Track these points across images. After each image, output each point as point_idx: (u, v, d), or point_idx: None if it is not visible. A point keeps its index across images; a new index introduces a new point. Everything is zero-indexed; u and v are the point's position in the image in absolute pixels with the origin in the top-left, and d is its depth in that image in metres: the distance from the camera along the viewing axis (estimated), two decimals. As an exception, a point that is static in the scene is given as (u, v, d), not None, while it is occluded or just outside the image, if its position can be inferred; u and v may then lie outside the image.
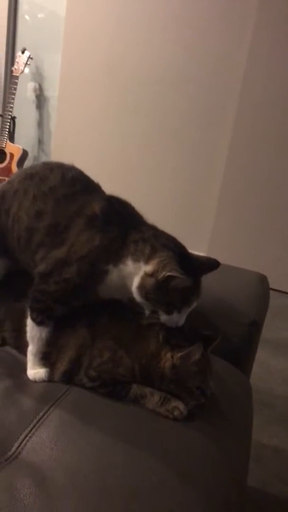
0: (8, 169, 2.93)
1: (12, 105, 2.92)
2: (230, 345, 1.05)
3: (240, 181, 2.72)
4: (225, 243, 2.81)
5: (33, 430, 0.70)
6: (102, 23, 2.89)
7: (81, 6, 2.92)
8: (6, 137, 2.94)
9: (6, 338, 0.97)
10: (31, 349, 0.88)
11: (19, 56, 2.95)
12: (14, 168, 2.94)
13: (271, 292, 1.27)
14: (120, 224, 0.84)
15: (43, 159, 3.35)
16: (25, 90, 3.30)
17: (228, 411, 0.88)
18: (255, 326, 1.11)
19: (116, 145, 3.03)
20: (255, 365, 1.20)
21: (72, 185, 0.89)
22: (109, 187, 0.94)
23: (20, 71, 2.92)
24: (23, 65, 2.93)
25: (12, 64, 3.01)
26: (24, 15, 3.29)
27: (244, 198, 2.73)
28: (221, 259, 0.89)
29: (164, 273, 0.76)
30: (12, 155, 2.95)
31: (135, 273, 0.80)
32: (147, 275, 0.78)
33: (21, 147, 2.98)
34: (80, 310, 0.88)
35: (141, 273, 0.79)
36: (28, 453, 0.66)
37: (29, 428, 0.70)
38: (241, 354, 1.12)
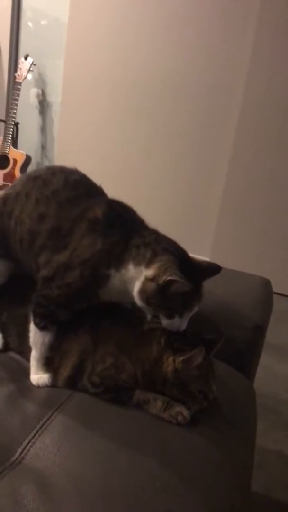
0: (11, 175, 2.94)
1: (15, 111, 2.93)
2: (234, 349, 1.05)
3: (242, 185, 2.72)
4: (228, 247, 2.81)
5: (37, 435, 0.70)
6: (104, 29, 2.90)
7: (83, 13, 2.94)
8: (9, 143, 2.95)
9: (10, 343, 0.97)
10: (34, 354, 0.88)
11: (22, 62, 2.97)
12: (17, 173, 2.95)
13: (274, 296, 1.26)
14: (122, 229, 0.84)
15: (46, 164, 3.36)
16: (28, 96, 3.31)
17: (231, 416, 0.88)
18: (259, 330, 1.11)
19: (118, 149, 3.04)
20: (259, 369, 1.20)
21: (75, 188, 0.89)
22: (112, 192, 0.94)
23: (23, 77, 2.94)
24: (26, 71, 2.95)
25: (15, 70, 3.03)
26: (27, 22, 3.31)
27: (247, 202, 2.73)
28: (224, 264, 0.89)
29: (164, 277, 0.76)
30: (15, 161, 2.96)
31: (136, 278, 0.80)
32: (148, 279, 0.78)
33: (24, 152, 3.00)
34: (82, 316, 0.88)
35: (142, 277, 0.79)
36: (31, 459, 0.66)
37: (32, 434, 0.70)
38: (245, 358, 1.11)
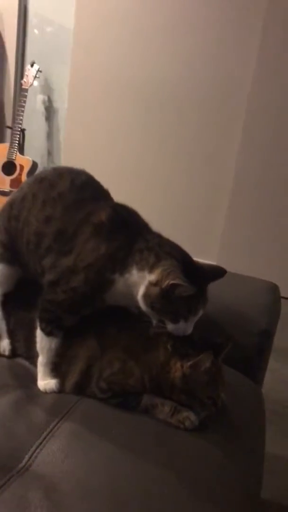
0: (18, 181, 2.96)
1: (21, 118, 2.95)
2: (241, 354, 1.04)
3: (249, 188, 2.71)
4: (235, 252, 2.80)
5: (44, 442, 0.70)
6: (109, 36, 2.92)
7: (89, 20, 2.96)
8: (16, 149, 2.97)
9: (17, 348, 0.97)
10: (41, 360, 0.88)
11: (28, 69, 2.99)
12: (24, 179, 2.96)
13: (282, 300, 1.26)
14: (126, 233, 0.84)
15: (53, 170, 3.37)
16: (35, 102, 3.34)
17: (240, 422, 0.87)
18: (267, 335, 1.10)
19: (125, 155, 3.05)
20: (267, 374, 1.19)
21: (81, 191, 0.89)
22: (118, 197, 0.94)
23: (30, 83, 2.96)
24: (32, 78, 2.97)
25: (22, 77, 3.05)
26: (33, 29, 3.34)
27: (253, 206, 2.72)
28: (231, 268, 0.88)
29: (167, 281, 0.76)
30: (22, 167, 2.98)
31: (140, 282, 0.80)
32: (151, 284, 0.78)
33: (30, 158, 3.01)
34: (88, 321, 0.88)
35: (145, 282, 0.79)
36: (39, 466, 0.65)
37: (39, 440, 0.70)
38: (252, 363, 1.10)
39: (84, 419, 0.76)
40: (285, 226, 2.69)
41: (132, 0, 2.82)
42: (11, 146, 2.97)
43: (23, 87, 2.96)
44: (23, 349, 0.96)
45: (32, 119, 3.29)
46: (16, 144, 2.96)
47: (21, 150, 3.04)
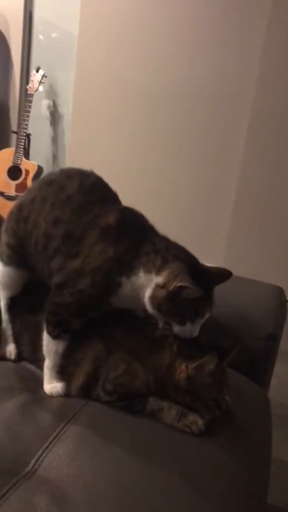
0: (23, 185, 2.97)
1: (27, 122, 2.97)
2: (247, 358, 1.04)
3: (255, 192, 2.71)
4: (240, 255, 2.79)
5: (50, 446, 0.70)
6: (113, 41, 2.93)
7: (93, 26, 2.98)
8: (21, 154, 2.98)
9: (23, 352, 0.98)
10: (47, 364, 0.88)
11: (34, 74, 3.01)
12: (30, 184, 2.97)
13: (288, 304, 1.25)
14: (133, 236, 0.84)
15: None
16: (40, 107, 3.36)
17: (246, 426, 0.87)
18: (273, 339, 1.10)
19: (129, 159, 3.06)
20: (273, 379, 1.18)
21: (89, 194, 0.89)
22: (123, 200, 0.95)
23: (35, 89, 2.98)
24: (38, 83, 2.99)
25: (27, 83, 3.07)
26: (38, 35, 3.36)
27: (259, 209, 2.72)
28: (236, 271, 0.88)
29: (174, 284, 0.76)
30: (27, 172, 2.99)
31: (147, 285, 0.80)
32: (158, 286, 0.78)
33: (36, 163, 3.02)
34: (95, 323, 0.88)
35: (152, 284, 0.79)
36: (45, 470, 0.65)
37: (46, 444, 0.70)
38: (258, 367, 1.10)
39: (91, 423, 0.76)
40: (290, 229, 2.68)
41: (136, 6, 2.83)
42: (16, 151, 2.98)
43: (28, 92, 2.98)
44: (29, 352, 0.97)
45: (37, 124, 3.31)
46: (22, 149, 2.97)
47: (26, 154, 3.06)
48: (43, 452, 0.68)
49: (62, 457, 0.67)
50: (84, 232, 0.85)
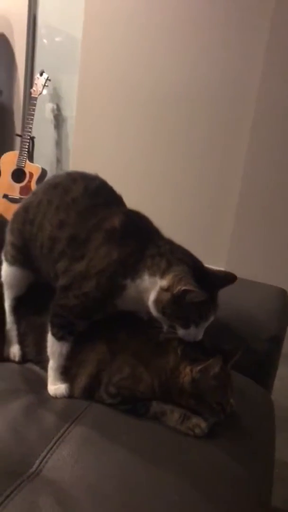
0: (27, 188, 2.98)
1: (31, 126, 2.98)
2: (251, 360, 1.04)
3: (258, 194, 2.70)
4: (243, 257, 2.78)
5: (54, 447, 0.70)
6: (117, 45, 2.94)
7: (97, 29, 2.99)
8: (25, 157, 2.99)
9: (27, 353, 0.98)
10: (51, 365, 0.88)
11: (38, 78, 3.02)
12: (34, 187, 2.98)
13: (291, 306, 1.25)
14: (138, 239, 0.85)
15: (61, 177, 3.38)
16: (44, 110, 3.37)
17: (250, 428, 0.87)
18: (276, 341, 1.10)
19: (133, 162, 3.06)
20: (276, 381, 1.18)
21: (94, 197, 0.90)
22: (127, 203, 0.95)
23: (39, 92, 2.99)
24: (42, 87, 3.00)
25: (31, 86, 3.08)
26: (42, 39, 3.38)
27: (262, 211, 2.71)
28: (240, 273, 0.88)
29: (179, 287, 0.76)
30: (31, 174, 3.00)
31: (151, 288, 0.80)
32: (162, 289, 0.79)
33: (40, 166, 3.03)
34: (99, 326, 0.88)
35: (157, 287, 0.80)
36: (49, 471, 0.66)
37: (50, 445, 0.70)
38: (262, 369, 1.10)
39: (95, 425, 0.76)
40: (293, 231, 2.68)
41: (139, 9, 2.84)
42: (20, 154, 3.00)
43: (32, 95, 2.99)
44: (33, 353, 0.97)
45: (41, 127, 3.32)
46: (26, 152, 2.99)
47: (30, 157, 3.07)
48: (47, 453, 0.69)
49: (66, 458, 0.68)
50: (89, 235, 0.85)
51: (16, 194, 3.00)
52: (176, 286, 0.77)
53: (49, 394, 0.86)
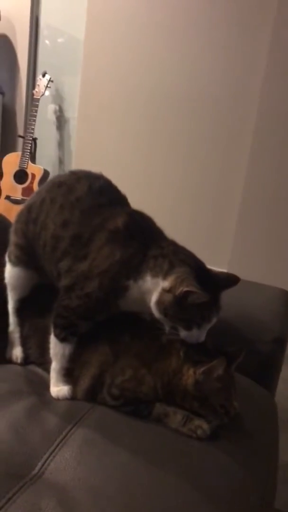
0: (30, 189, 2.98)
1: (33, 127, 2.98)
2: (254, 362, 1.04)
3: (260, 196, 2.70)
4: (246, 259, 2.78)
5: (57, 449, 0.70)
6: (119, 46, 2.95)
7: (99, 30, 2.99)
8: (27, 158, 3.00)
9: (30, 355, 0.98)
10: (54, 366, 0.88)
11: (40, 79, 3.03)
12: (36, 188, 2.99)
13: (294, 308, 1.25)
14: (141, 240, 0.84)
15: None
16: (46, 112, 3.38)
17: (253, 430, 0.86)
18: (279, 343, 1.10)
19: (135, 163, 3.06)
20: (279, 383, 1.18)
21: (98, 196, 0.90)
22: (130, 204, 0.95)
23: (41, 93, 3.00)
24: (44, 88, 3.01)
25: (33, 87, 3.09)
26: (44, 40, 3.39)
27: (265, 213, 2.71)
28: (242, 275, 0.88)
29: (181, 288, 0.76)
30: (33, 176, 3.01)
31: (153, 289, 0.80)
32: (164, 290, 0.78)
33: (42, 167, 3.04)
34: (101, 327, 0.88)
35: (159, 288, 0.79)
36: (51, 473, 0.65)
37: (52, 447, 0.70)
38: (265, 371, 1.10)
39: (97, 427, 0.75)
40: (296, 233, 2.67)
41: (141, 11, 2.85)
42: (23, 155, 3.00)
43: (34, 97, 3.00)
44: (36, 355, 0.97)
45: (44, 128, 3.33)
46: (28, 153, 2.99)
47: (32, 158, 3.07)
48: (49, 455, 0.68)
49: (68, 460, 0.67)
50: (92, 235, 0.85)
51: (18, 195, 3.00)
52: (178, 288, 0.76)
53: (51, 396, 0.85)
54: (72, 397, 0.85)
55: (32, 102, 3.02)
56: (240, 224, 2.79)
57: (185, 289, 0.75)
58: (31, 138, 2.99)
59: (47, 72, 3.04)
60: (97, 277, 0.83)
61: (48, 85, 3.03)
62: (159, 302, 0.79)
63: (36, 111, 2.98)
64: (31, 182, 3.00)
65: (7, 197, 3.02)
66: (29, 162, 3.00)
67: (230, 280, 0.86)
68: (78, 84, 3.14)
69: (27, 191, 2.98)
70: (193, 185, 2.95)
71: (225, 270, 0.90)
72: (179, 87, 2.83)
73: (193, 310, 0.78)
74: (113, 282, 0.82)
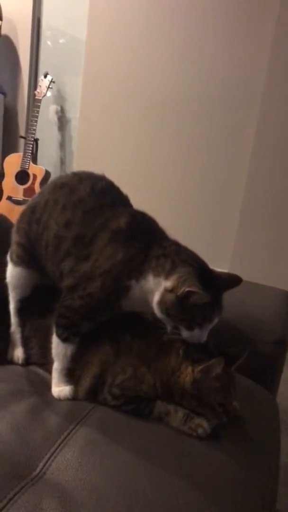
0: (31, 190, 2.98)
1: (35, 127, 2.98)
2: (255, 363, 1.03)
3: (262, 197, 2.70)
4: (248, 260, 2.78)
5: (58, 450, 0.70)
6: (121, 46, 2.95)
7: (101, 31, 3.00)
8: (29, 159, 3.00)
9: (31, 356, 0.98)
10: (56, 367, 0.88)
11: (42, 80, 3.03)
12: (37, 188, 2.99)
13: (296, 309, 1.24)
14: (143, 240, 0.84)
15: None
16: (48, 112, 3.38)
17: (254, 432, 0.86)
18: (281, 344, 1.09)
19: (137, 164, 3.06)
20: (281, 384, 1.17)
21: (101, 197, 0.90)
22: (132, 205, 0.95)
23: (43, 94, 3.00)
24: (46, 89, 3.01)
25: (35, 88, 3.09)
26: (46, 41, 3.39)
27: (266, 214, 2.71)
28: (244, 276, 0.88)
29: (183, 288, 0.76)
30: (35, 176, 3.01)
31: (156, 289, 0.80)
32: (167, 290, 0.78)
33: (43, 168, 3.04)
34: (103, 327, 0.88)
35: (161, 288, 0.79)
36: (53, 473, 0.65)
37: (54, 448, 0.70)
38: (267, 372, 1.09)
39: (99, 427, 0.75)
40: (297, 234, 2.67)
41: (144, 11, 2.85)
42: (24, 156, 3.00)
43: (36, 97, 3.00)
44: (38, 356, 0.97)
45: (45, 129, 3.33)
46: (30, 154, 2.99)
47: (34, 159, 3.08)
48: (51, 456, 0.68)
49: (70, 460, 0.67)
50: (95, 235, 0.85)
51: (19, 196, 3.01)
52: (180, 287, 0.76)
53: (53, 396, 0.85)
54: (74, 397, 0.85)
55: (34, 102, 3.02)
56: (242, 224, 2.78)
57: (187, 289, 0.75)
58: (32, 139, 2.99)
59: (48, 72, 3.05)
60: (99, 277, 0.83)
61: (50, 86, 3.03)
62: (161, 302, 0.79)
63: (37, 112, 2.98)
64: (33, 183, 3.00)
65: (9, 198, 3.03)
66: (31, 162, 3.01)
67: (232, 280, 0.86)
68: (80, 84, 3.14)
69: (28, 191, 2.98)
70: (194, 186, 2.95)
71: (226, 271, 0.90)
72: (181, 88, 2.83)
73: (195, 310, 0.78)
74: (116, 282, 0.82)
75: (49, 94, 3.12)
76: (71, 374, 0.87)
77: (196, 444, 0.75)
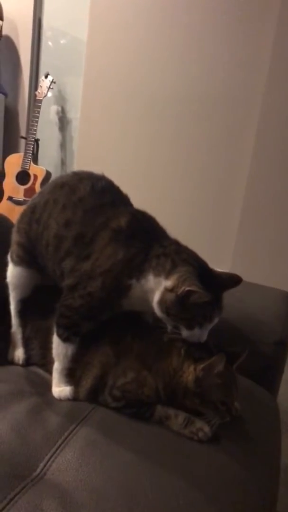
0: (32, 190, 2.98)
1: (35, 128, 2.99)
2: (256, 364, 1.03)
3: (263, 197, 2.70)
4: (248, 260, 2.78)
5: (58, 450, 0.70)
6: (122, 47, 2.95)
7: (102, 32, 3.00)
8: (30, 159, 3.00)
9: (32, 356, 0.98)
10: (56, 367, 0.88)
11: (43, 80, 3.03)
12: (38, 189, 2.99)
13: (297, 309, 1.24)
14: (144, 239, 0.84)
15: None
16: (48, 113, 3.38)
17: (255, 433, 0.86)
18: (282, 345, 1.09)
19: (137, 165, 3.06)
20: (282, 385, 1.17)
21: (101, 196, 0.90)
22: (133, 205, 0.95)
23: (44, 94, 3.00)
24: (46, 89, 3.01)
25: (36, 89, 3.09)
26: (47, 41, 3.40)
27: (267, 214, 2.71)
28: (245, 277, 0.88)
29: (183, 288, 0.76)
30: (36, 177, 3.01)
31: (156, 288, 0.80)
32: (167, 290, 0.78)
33: (44, 168, 3.04)
34: (103, 327, 0.88)
35: (161, 288, 0.79)
36: (53, 474, 0.65)
37: (54, 448, 0.70)
38: (267, 373, 1.09)
39: (99, 428, 0.75)
40: (299, 234, 2.67)
41: (144, 12, 2.85)
42: (25, 156, 3.00)
43: (37, 98, 3.00)
44: (38, 356, 0.97)
45: (46, 129, 3.33)
46: (30, 154, 2.99)
47: (35, 159, 3.08)
48: (51, 456, 0.68)
49: (70, 461, 0.67)
50: (95, 234, 0.85)
51: (20, 196, 3.01)
52: (181, 287, 0.76)
53: (53, 397, 0.85)
54: (74, 398, 0.85)
55: (35, 103, 3.02)
56: (243, 224, 2.78)
57: (187, 288, 0.75)
58: (33, 139, 2.99)
59: (49, 73, 3.05)
60: (100, 276, 0.83)
61: (51, 86, 3.03)
62: (161, 301, 0.79)
63: (38, 112, 2.98)
64: (33, 183, 3.00)
65: (9, 198, 3.03)
66: (31, 163, 3.01)
67: (233, 280, 0.86)
68: (81, 85, 3.14)
69: (29, 192, 2.98)
70: (195, 186, 2.95)
71: (227, 271, 0.90)
72: (182, 88, 2.83)
73: (195, 310, 0.78)
74: (116, 282, 0.82)
75: (50, 94, 3.12)
76: (71, 375, 0.87)
77: (197, 445, 0.75)
